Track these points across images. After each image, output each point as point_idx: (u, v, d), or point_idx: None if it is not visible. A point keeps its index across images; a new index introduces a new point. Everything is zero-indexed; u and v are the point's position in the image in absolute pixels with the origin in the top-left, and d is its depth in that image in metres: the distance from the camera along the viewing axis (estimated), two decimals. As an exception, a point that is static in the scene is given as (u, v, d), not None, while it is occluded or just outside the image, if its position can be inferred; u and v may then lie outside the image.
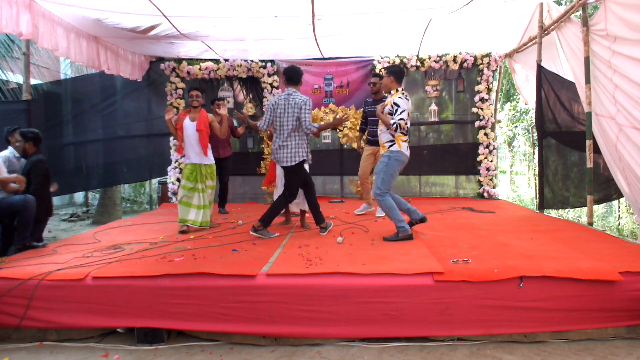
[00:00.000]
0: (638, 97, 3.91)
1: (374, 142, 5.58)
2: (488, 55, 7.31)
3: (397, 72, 4.24)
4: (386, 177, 4.14)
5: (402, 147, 4.14)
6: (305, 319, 2.93)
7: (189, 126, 4.82)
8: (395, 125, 4.03)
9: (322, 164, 7.39)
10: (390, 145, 4.16)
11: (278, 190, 4.98)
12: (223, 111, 4.96)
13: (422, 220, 4.35)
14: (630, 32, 3.89)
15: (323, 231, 4.53)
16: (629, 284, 2.90)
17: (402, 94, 4.15)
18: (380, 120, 4.24)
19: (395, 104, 4.07)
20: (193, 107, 4.88)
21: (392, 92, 4.22)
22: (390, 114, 4.11)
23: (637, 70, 3.89)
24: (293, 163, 4.32)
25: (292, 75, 4.40)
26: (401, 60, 7.36)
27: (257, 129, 4.56)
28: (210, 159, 4.96)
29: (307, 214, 4.99)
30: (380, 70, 7.36)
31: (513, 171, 14.10)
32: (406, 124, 4.14)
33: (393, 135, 4.15)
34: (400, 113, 4.04)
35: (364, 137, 5.95)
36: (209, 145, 4.90)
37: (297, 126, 4.29)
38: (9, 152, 4.67)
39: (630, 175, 4.24)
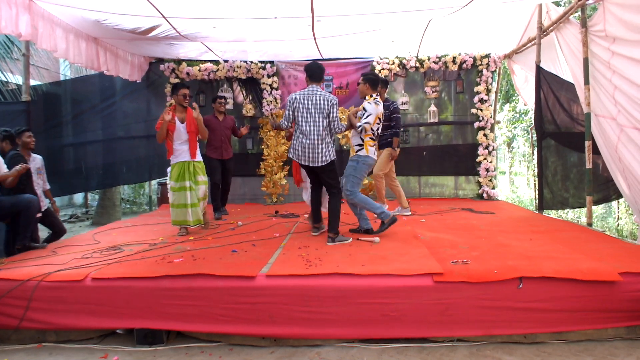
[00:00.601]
0: (637, 98, 3.91)
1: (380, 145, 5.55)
2: (487, 56, 7.32)
3: (371, 79, 4.50)
4: (355, 180, 4.39)
5: (370, 151, 4.38)
6: (305, 320, 2.93)
7: (180, 127, 4.64)
8: (360, 128, 4.32)
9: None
10: (359, 150, 4.39)
11: (307, 192, 4.83)
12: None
13: (368, 231, 4.47)
14: (629, 33, 3.90)
15: (329, 241, 4.15)
16: (628, 284, 2.90)
17: (375, 100, 4.39)
18: (350, 124, 4.47)
19: (364, 108, 4.39)
20: (183, 107, 4.69)
21: (367, 97, 4.46)
22: (362, 117, 4.37)
23: (636, 71, 3.89)
24: (326, 162, 4.19)
25: (314, 71, 4.29)
26: (400, 61, 7.38)
27: (281, 129, 4.47)
28: (199, 157, 4.81)
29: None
30: (379, 71, 7.38)
31: (512, 172, 14.11)
32: (377, 129, 4.42)
33: (363, 140, 4.37)
34: (367, 117, 4.32)
35: None
36: (213, 146, 4.84)
37: (327, 124, 4.20)
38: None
39: (631, 176, 4.24)
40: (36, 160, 4.86)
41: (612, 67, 4.26)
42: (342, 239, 4.14)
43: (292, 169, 5.20)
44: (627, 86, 4.05)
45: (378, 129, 4.41)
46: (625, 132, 4.15)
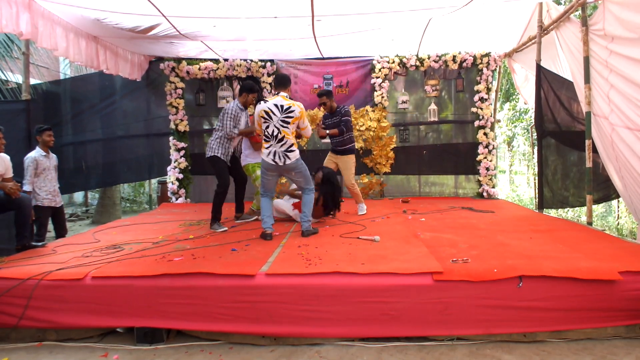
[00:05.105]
0: (631, 96, 3.92)
1: (334, 150, 5.77)
2: (487, 55, 7.32)
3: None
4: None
5: (263, 153, 4.37)
6: (305, 319, 2.93)
7: None
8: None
9: (321, 164, 7.41)
10: None
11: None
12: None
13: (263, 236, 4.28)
14: (626, 32, 3.90)
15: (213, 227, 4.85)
16: (628, 283, 2.90)
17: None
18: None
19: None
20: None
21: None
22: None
23: (632, 69, 3.90)
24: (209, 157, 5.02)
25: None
26: (400, 60, 7.37)
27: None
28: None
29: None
30: (379, 69, 7.38)
31: (512, 171, 14.11)
32: (267, 128, 4.25)
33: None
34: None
35: None
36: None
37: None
38: (36, 152, 4.75)
39: (627, 175, 4.25)
40: (53, 159, 5.00)
41: (609, 66, 4.26)
42: (216, 227, 4.81)
43: None
44: (622, 84, 4.05)
45: (267, 127, 4.22)
46: (617, 131, 4.16)
